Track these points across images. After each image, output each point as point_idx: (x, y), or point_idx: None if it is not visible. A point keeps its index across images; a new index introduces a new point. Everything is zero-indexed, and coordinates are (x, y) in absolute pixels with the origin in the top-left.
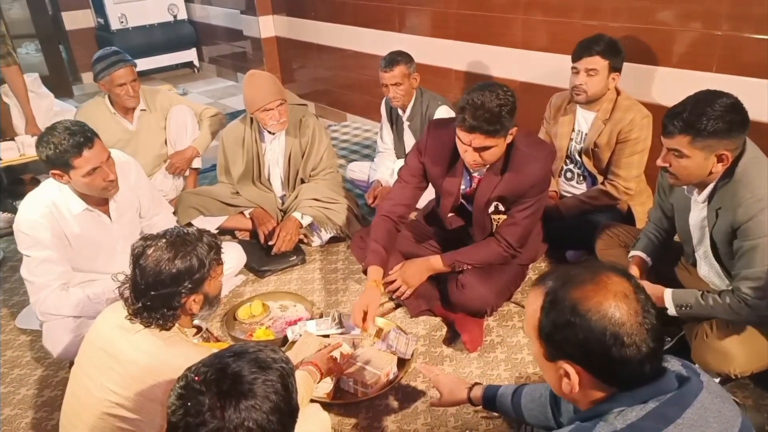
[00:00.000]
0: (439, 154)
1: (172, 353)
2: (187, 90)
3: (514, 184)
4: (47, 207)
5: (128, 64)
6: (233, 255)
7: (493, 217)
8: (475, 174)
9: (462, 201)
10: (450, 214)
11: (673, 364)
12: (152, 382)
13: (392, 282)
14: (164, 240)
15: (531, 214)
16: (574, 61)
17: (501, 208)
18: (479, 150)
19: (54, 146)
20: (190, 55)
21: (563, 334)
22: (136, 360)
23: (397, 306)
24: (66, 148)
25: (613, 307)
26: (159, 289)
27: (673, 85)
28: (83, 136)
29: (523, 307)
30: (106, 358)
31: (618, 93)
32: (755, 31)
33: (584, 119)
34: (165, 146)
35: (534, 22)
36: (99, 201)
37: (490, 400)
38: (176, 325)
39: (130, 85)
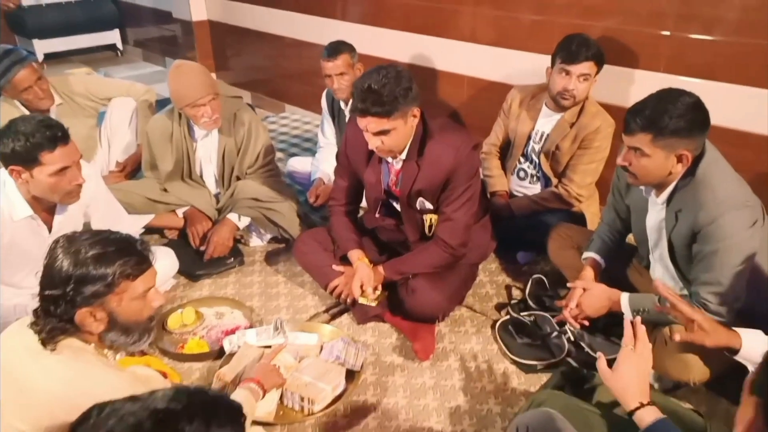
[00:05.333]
0: (359, 145)
1: (93, 380)
2: (109, 74)
3: (432, 175)
4: None
5: (26, 64)
6: (164, 262)
7: (423, 217)
8: (391, 162)
9: (389, 199)
10: (378, 215)
11: None
12: (65, 416)
13: (336, 287)
14: (86, 238)
15: (462, 206)
16: (566, 63)
17: (428, 205)
18: (379, 134)
19: (25, 138)
20: (112, 36)
21: None
22: (48, 389)
23: (343, 312)
24: (39, 141)
25: None
26: (48, 288)
27: (620, 84)
28: (60, 131)
29: (475, 311)
30: (8, 386)
31: (586, 97)
32: (704, 32)
33: (547, 120)
34: (93, 134)
35: (483, 15)
36: (47, 208)
37: None
38: (92, 345)
39: (36, 87)
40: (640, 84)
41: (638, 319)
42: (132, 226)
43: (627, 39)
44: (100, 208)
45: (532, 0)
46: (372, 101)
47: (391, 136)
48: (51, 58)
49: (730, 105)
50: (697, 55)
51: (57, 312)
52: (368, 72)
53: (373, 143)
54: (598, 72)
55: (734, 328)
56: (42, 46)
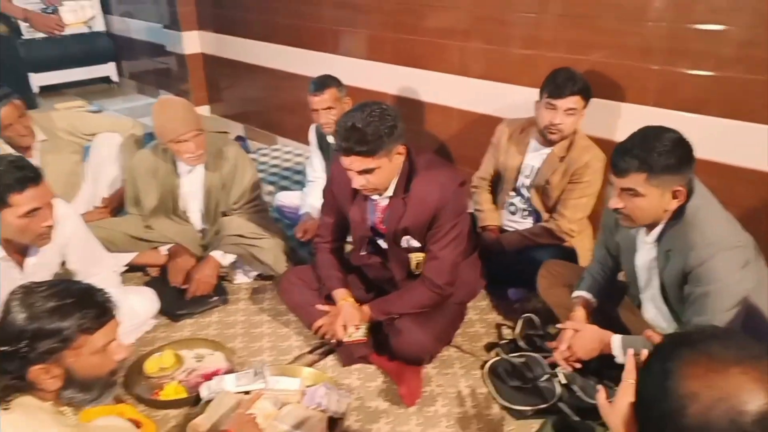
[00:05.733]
0: (344, 182)
1: None
2: (103, 106)
3: (418, 212)
4: None
5: (8, 102)
6: (144, 302)
7: (410, 255)
8: (376, 200)
9: (374, 236)
10: (364, 252)
11: None
12: None
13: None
14: (43, 290)
15: (449, 244)
16: (552, 97)
17: (414, 243)
18: (363, 173)
19: None
20: (107, 69)
21: None
22: None
23: (328, 354)
24: (9, 182)
25: None
26: (1, 344)
27: (610, 118)
28: (32, 172)
29: (464, 351)
30: None
31: (575, 131)
32: (692, 66)
33: (537, 154)
34: (78, 169)
35: (471, 49)
36: (20, 250)
37: None
38: (49, 403)
39: (18, 124)
40: (629, 118)
41: (644, 352)
42: (112, 266)
43: (616, 73)
44: (77, 248)
45: (521, 34)
46: (355, 140)
47: (376, 174)
48: (46, 90)
49: (719, 139)
50: (686, 89)
51: (9, 369)
52: (352, 110)
53: (358, 182)
54: (585, 106)
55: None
56: (37, 79)
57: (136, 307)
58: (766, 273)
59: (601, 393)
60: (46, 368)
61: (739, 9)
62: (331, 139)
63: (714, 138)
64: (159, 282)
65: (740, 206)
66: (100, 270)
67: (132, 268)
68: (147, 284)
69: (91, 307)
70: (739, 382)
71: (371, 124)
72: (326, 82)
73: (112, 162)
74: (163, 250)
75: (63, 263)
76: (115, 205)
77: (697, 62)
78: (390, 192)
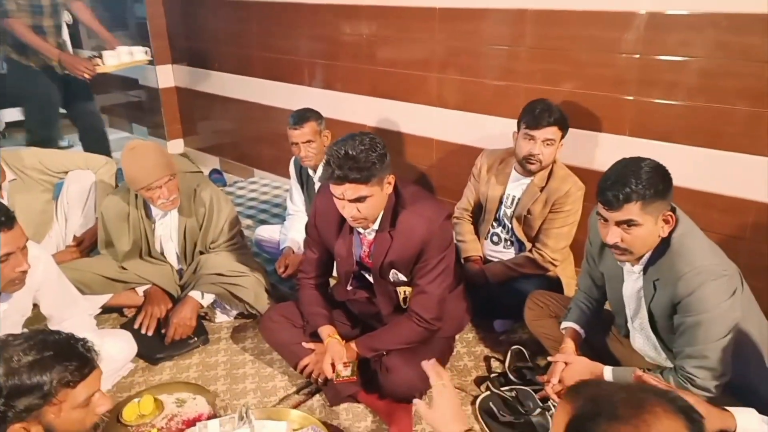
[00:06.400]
0: (329, 216)
1: None
2: (73, 142)
3: (404, 246)
4: None
5: None
6: (121, 346)
7: (397, 289)
8: (364, 233)
9: (360, 270)
10: (350, 287)
11: None
12: None
13: (306, 366)
14: (19, 343)
15: (436, 279)
16: (530, 128)
17: (401, 277)
18: (355, 201)
19: None
20: None
21: None
22: None
23: (314, 393)
24: None
25: None
26: None
27: (587, 147)
28: (4, 216)
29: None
30: None
31: (554, 161)
32: (665, 96)
33: (517, 184)
34: (48, 208)
35: (448, 81)
36: None
37: None
38: None
39: None
40: (606, 147)
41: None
42: (87, 308)
43: (592, 103)
44: (50, 292)
45: (496, 66)
46: (350, 167)
47: (368, 203)
48: (14, 126)
49: (693, 167)
50: (660, 119)
51: None
52: (342, 139)
53: (349, 212)
54: (563, 137)
55: (727, 408)
56: (4, 115)
57: (113, 352)
58: (751, 301)
59: (419, 403)
60: (25, 426)
61: (704, 42)
62: (311, 173)
63: (688, 166)
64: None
65: (716, 233)
66: (74, 314)
67: (107, 309)
68: (123, 326)
69: (72, 359)
70: None
71: (364, 152)
72: (306, 115)
73: (84, 200)
74: (140, 290)
75: (34, 307)
76: (87, 245)
77: (668, 93)
78: (376, 226)
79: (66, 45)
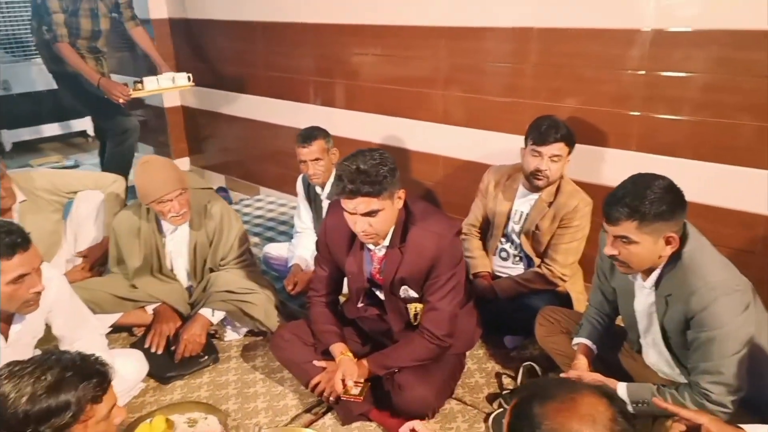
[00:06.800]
0: (339, 233)
1: None
2: (79, 161)
3: (415, 262)
4: None
5: None
6: (132, 366)
7: (408, 306)
8: (374, 250)
9: (371, 287)
10: (361, 304)
11: None
12: None
13: (317, 384)
14: (32, 369)
15: (447, 295)
16: (537, 144)
17: (412, 294)
18: (367, 215)
19: None
20: (83, 123)
21: None
22: None
23: (326, 412)
24: None
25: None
26: None
27: (594, 163)
28: (20, 237)
29: (465, 403)
30: None
31: (561, 176)
32: (670, 112)
33: (525, 200)
34: (58, 228)
35: (453, 97)
36: (4, 318)
37: None
38: None
39: None
40: (613, 162)
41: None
42: (97, 327)
43: (598, 119)
44: (62, 312)
45: (501, 83)
46: (362, 181)
47: (380, 217)
48: (20, 147)
49: (702, 181)
50: (666, 134)
51: None
52: (352, 155)
53: (361, 226)
54: (570, 152)
55: (740, 426)
56: (10, 136)
57: (124, 371)
58: (763, 315)
59: None
60: None
61: (707, 58)
62: (319, 190)
63: (695, 180)
64: (145, 343)
65: (728, 247)
66: (85, 333)
67: (117, 328)
68: (133, 345)
69: (92, 375)
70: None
71: (375, 166)
72: (314, 133)
73: (93, 220)
74: (149, 309)
75: (46, 328)
76: (93, 259)
77: (673, 108)
78: (386, 242)
79: (103, 66)
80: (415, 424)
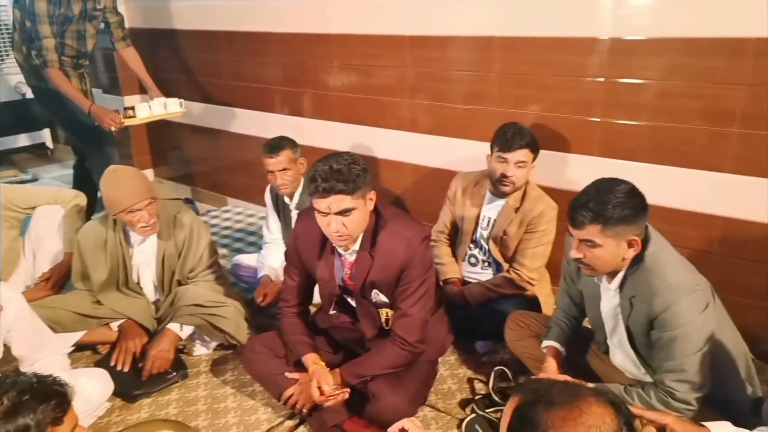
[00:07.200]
0: (310, 239)
1: None
2: (37, 175)
3: (385, 266)
4: None
5: None
6: (97, 385)
7: (380, 311)
8: (345, 255)
9: (343, 294)
10: (332, 311)
11: None
12: None
13: (290, 396)
14: None
15: (418, 301)
16: (502, 151)
17: (383, 298)
18: (341, 214)
19: None
20: (42, 136)
21: None
22: None
23: (299, 424)
24: None
25: None
26: None
27: (558, 168)
28: None
29: (439, 410)
30: None
31: (527, 182)
32: (628, 118)
33: (492, 206)
34: (15, 245)
35: (419, 105)
36: None
37: None
38: None
39: None
40: (576, 167)
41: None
42: (59, 347)
43: (560, 126)
44: (22, 332)
45: (466, 91)
46: (336, 179)
47: (353, 216)
48: None
49: (661, 184)
50: (626, 139)
51: None
52: (323, 158)
53: (335, 226)
54: (534, 158)
55: (703, 423)
56: None
57: (88, 391)
58: (722, 313)
59: None
60: None
61: (664, 65)
62: (287, 200)
63: (655, 183)
64: (110, 361)
65: (686, 248)
66: (46, 354)
67: (81, 346)
68: (98, 363)
69: (50, 396)
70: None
71: (348, 166)
72: (281, 143)
73: (53, 236)
74: (114, 326)
75: (4, 348)
76: (56, 280)
77: (632, 114)
78: (357, 246)
79: (86, 83)
80: (405, 422)
